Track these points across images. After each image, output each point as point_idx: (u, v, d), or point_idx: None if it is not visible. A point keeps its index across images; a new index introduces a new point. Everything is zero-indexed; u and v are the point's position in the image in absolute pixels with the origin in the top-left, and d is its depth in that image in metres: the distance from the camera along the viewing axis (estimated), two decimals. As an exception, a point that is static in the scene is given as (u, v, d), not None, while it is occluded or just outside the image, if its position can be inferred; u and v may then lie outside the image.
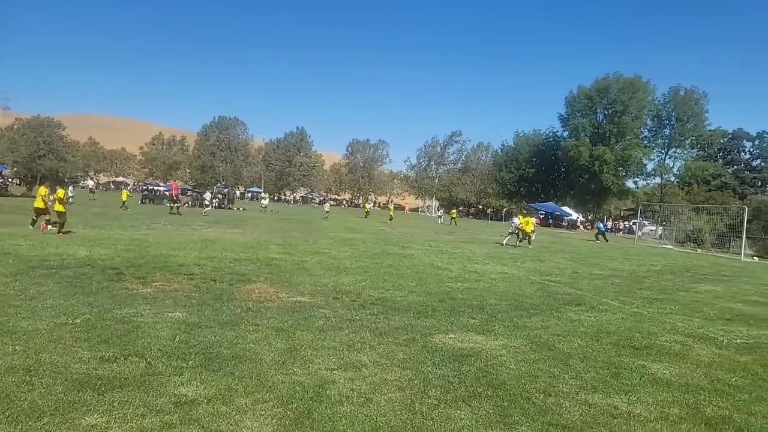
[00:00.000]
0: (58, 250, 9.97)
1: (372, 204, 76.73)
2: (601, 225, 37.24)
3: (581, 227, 59.47)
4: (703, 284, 13.14)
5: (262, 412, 3.43)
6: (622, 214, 78.71)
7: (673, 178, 70.46)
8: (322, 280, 8.92)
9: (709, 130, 67.55)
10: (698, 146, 69.73)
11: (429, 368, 4.61)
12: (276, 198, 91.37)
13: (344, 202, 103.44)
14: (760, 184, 68.80)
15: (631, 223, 59.23)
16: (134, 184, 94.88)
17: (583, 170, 66.29)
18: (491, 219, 69.68)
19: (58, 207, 13.33)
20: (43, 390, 3.49)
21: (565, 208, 64.79)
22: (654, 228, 44.15)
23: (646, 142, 68.79)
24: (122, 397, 3.48)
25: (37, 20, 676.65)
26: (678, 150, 69.26)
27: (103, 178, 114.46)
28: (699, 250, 30.30)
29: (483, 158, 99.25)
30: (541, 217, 54.10)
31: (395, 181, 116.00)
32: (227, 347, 4.75)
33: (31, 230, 13.17)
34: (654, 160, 69.38)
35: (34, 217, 13.86)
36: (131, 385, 3.70)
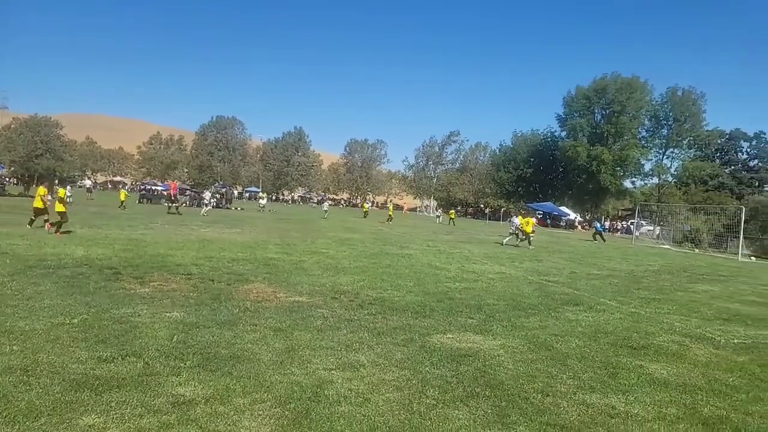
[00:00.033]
0: (56, 249, 9.95)
1: (370, 204, 76.66)
2: (598, 225, 37.32)
3: (579, 227, 59.56)
4: (701, 284, 13.17)
5: (260, 412, 3.43)
6: (619, 214, 78.94)
7: (670, 178, 70.56)
8: (320, 280, 8.91)
9: (707, 131, 67.67)
10: (696, 146, 69.82)
11: (427, 368, 4.61)
12: (274, 198, 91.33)
13: (342, 202, 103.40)
14: (757, 184, 69.04)
15: (628, 223, 59.40)
16: (132, 184, 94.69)
17: (580, 170, 66.37)
18: (489, 219, 69.77)
19: (59, 206, 13.30)
20: (41, 390, 3.48)
21: (563, 208, 64.87)
22: (651, 228, 44.28)
23: (643, 142, 68.92)
24: (120, 398, 3.47)
25: (37, 20, 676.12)
26: (675, 150, 69.36)
27: (100, 178, 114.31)
28: (696, 250, 30.37)
29: (481, 158, 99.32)
30: (539, 217, 54.15)
31: (393, 180, 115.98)
32: (225, 347, 4.74)
33: (29, 230, 13.13)
34: (651, 160, 69.57)
35: (33, 217, 13.82)
36: (129, 385, 3.69)
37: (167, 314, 5.74)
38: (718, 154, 74.30)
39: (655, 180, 70.83)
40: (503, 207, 78.69)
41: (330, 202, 52.16)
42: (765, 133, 71.78)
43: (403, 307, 7.21)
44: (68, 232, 13.16)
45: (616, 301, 9.25)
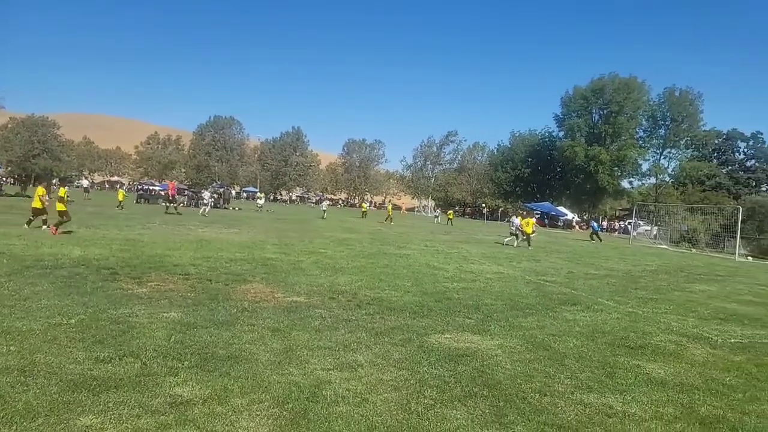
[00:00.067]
0: (53, 249, 9.92)
1: (368, 203, 76.62)
2: (595, 225, 37.40)
3: (577, 227, 59.63)
4: (698, 284, 13.20)
5: (258, 413, 3.43)
6: (617, 214, 79.06)
7: (667, 179, 70.72)
8: (318, 280, 8.91)
9: (704, 131, 67.83)
10: (693, 146, 70.02)
11: (425, 368, 4.61)
12: (272, 198, 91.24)
13: (340, 202, 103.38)
14: (754, 184, 69.25)
15: (626, 223, 59.48)
16: (129, 184, 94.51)
17: (578, 170, 66.48)
18: (487, 219, 69.82)
19: (59, 206, 13.28)
20: (38, 391, 3.48)
21: (561, 208, 64.96)
22: (649, 228, 44.39)
23: (641, 142, 69.05)
24: (117, 398, 3.47)
25: (37, 20, 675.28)
26: (673, 150, 69.51)
27: (97, 178, 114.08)
28: (694, 250, 30.44)
29: (479, 158, 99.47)
30: (537, 216, 54.21)
31: (391, 181, 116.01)
32: (223, 347, 4.74)
33: (26, 230, 13.10)
34: (649, 160, 69.68)
35: (31, 217, 13.80)
36: (126, 385, 3.68)
37: (165, 314, 5.74)
38: (715, 155, 74.55)
39: (653, 180, 71.02)
40: (501, 207, 78.83)
41: (328, 202, 52.05)
42: (762, 134, 72.28)
43: (401, 307, 7.21)
44: (69, 232, 13.13)
45: (614, 300, 9.27)
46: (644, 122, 69.44)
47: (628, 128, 66.06)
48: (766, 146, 71.84)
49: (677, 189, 67.37)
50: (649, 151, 69.26)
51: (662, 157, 70.06)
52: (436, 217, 54.59)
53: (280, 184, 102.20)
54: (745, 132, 73.47)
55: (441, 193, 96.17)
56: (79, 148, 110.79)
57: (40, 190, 14.30)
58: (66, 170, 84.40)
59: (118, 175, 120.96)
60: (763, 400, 4.45)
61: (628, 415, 3.88)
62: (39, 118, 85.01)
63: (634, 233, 41.45)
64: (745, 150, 73.93)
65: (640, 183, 73.34)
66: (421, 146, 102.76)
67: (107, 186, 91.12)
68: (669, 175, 70.32)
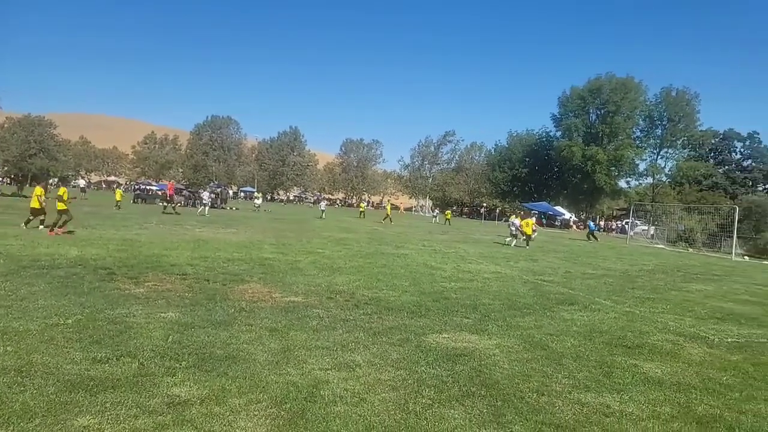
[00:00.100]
0: (50, 249, 9.89)
1: (366, 203, 76.56)
2: (592, 224, 37.50)
3: (574, 227, 59.76)
4: (695, 283, 13.24)
5: (256, 413, 3.42)
6: (614, 214, 79.21)
7: (664, 178, 71.00)
8: (315, 280, 8.90)
9: (701, 131, 68.11)
10: (690, 146, 70.29)
11: (423, 368, 4.61)
12: (269, 198, 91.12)
13: (338, 202, 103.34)
14: (750, 183, 69.50)
15: (623, 223, 59.61)
16: (126, 184, 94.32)
17: (575, 170, 66.62)
18: (485, 218, 69.88)
19: (60, 205, 13.26)
20: (35, 391, 3.46)
21: (558, 208, 65.13)
22: (646, 228, 44.46)
23: (638, 142, 69.28)
24: (115, 398, 3.46)
25: (37, 20, 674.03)
26: (670, 150, 69.79)
27: (94, 177, 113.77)
28: (690, 250, 30.54)
29: (476, 158, 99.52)
30: (535, 216, 54.29)
31: (389, 180, 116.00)
32: (220, 347, 4.73)
33: (23, 230, 13.07)
34: (646, 160, 69.99)
35: (30, 217, 13.78)
36: (124, 385, 3.68)
37: (162, 314, 5.72)
38: (711, 154, 74.78)
39: (650, 180, 71.29)
40: (498, 207, 78.89)
41: (327, 201, 52.00)
42: (758, 134, 72.51)
43: (398, 306, 7.22)
44: (71, 232, 13.11)
45: (611, 300, 9.29)
46: (641, 122, 69.70)
47: (625, 128, 66.25)
48: (762, 146, 72.12)
49: (674, 189, 67.58)
50: (646, 150, 69.53)
51: (659, 156, 70.41)
52: (435, 216, 54.61)
53: (277, 184, 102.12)
54: (742, 132, 73.84)
55: (438, 193, 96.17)
56: (76, 148, 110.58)
57: (39, 190, 14.26)
58: (62, 170, 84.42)
59: (115, 175, 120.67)
60: (759, 399, 4.47)
61: (626, 415, 3.89)
62: (36, 118, 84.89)
63: (631, 233, 41.54)
64: (742, 150, 74.20)
65: (637, 183, 73.72)
66: (418, 146, 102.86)
67: (104, 186, 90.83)
68: (666, 174, 70.63)
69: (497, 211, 74.72)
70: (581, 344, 5.89)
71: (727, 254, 27.44)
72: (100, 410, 3.27)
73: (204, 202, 29.96)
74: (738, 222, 28.48)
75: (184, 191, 45.47)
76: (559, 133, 73.43)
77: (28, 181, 66.54)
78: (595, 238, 33.68)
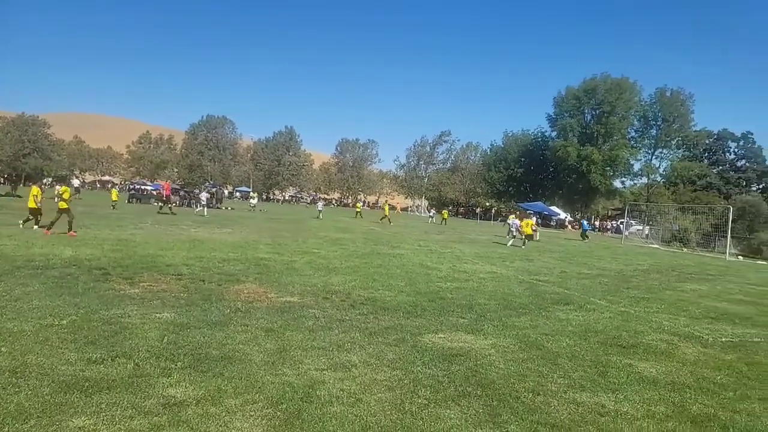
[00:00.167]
0: (44, 250, 9.84)
1: (362, 203, 76.45)
2: (585, 224, 37.63)
3: (569, 227, 59.91)
4: (689, 283, 13.31)
5: (252, 413, 3.42)
6: (609, 214, 79.50)
7: (659, 178, 71.15)
8: (311, 280, 8.90)
9: (695, 131, 68.31)
10: (684, 147, 70.47)
11: (419, 368, 4.62)
12: (265, 197, 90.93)
13: (333, 202, 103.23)
14: (744, 184, 69.82)
15: (618, 223, 59.86)
16: (121, 183, 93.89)
17: (571, 170, 66.75)
18: (480, 219, 69.95)
19: (62, 204, 13.22)
20: (30, 392, 3.45)
21: (554, 208, 65.20)
22: (641, 227, 44.72)
23: (632, 142, 69.39)
24: (110, 399, 3.45)
25: (37, 20, 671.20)
26: (664, 150, 69.92)
27: (88, 177, 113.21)
28: (685, 250, 30.69)
29: (472, 158, 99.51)
30: (530, 216, 54.43)
31: (385, 180, 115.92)
32: (216, 348, 4.72)
33: (21, 229, 13.03)
34: (641, 160, 70.04)
35: (29, 216, 13.77)
36: (119, 386, 3.67)
37: (157, 315, 5.71)
38: (706, 155, 75.07)
39: (645, 180, 71.43)
40: (494, 207, 78.99)
41: (323, 201, 51.91)
42: (752, 134, 72.73)
43: (394, 306, 7.22)
44: (64, 233, 13.04)
45: (606, 300, 9.33)
46: (636, 122, 69.81)
47: (620, 128, 66.40)
48: (756, 146, 72.43)
49: (669, 189, 67.83)
50: (641, 151, 69.65)
51: (654, 157, 70.53)
52: (431, 216, 54.64)
53: (273, 184, 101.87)
54: (736, 132, 74.07)
55: (434, 193, 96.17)
56: (70, 147, 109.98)
57: (35, 189, 14.25)
58: (57, 169, 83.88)
59: (110, 175, 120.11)
60: (753, 399, 4.50)
61: (621, 414, 3.91)
62: (29, 117, 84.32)
63: (626, 233, 41.73)
64: (736, 150, 74.51)
65: (632, 183, 73.84)
66: (414, 146, 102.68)
67: (98, 186, 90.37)
68: (660, 175, 70.78)
69: (493, 211, 74.79)
70: (576, 344, 5.91)
71: (721, 254, 27.59)
72: (96, 411, 3.26)
73: (202, 202, 29.87)
74: (732, 222, 28.65)
75: (180, 191, 45.27)
76: (554, 134, 73.51)
77: (22, 181, 66.11)
78: (587, 237, 33.79)
